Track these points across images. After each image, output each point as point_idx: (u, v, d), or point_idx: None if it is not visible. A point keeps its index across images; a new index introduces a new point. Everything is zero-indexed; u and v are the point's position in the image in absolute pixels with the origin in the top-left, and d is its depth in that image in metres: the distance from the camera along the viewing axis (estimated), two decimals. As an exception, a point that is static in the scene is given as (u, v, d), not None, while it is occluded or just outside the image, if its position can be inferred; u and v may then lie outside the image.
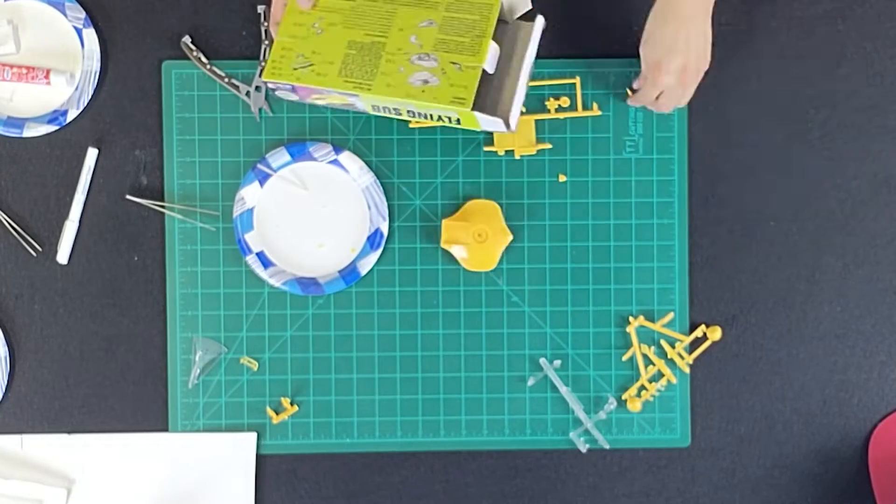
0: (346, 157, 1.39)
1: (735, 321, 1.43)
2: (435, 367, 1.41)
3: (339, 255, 1.41)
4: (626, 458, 1.43)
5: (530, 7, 1.31)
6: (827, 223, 1.42)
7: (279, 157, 1.39)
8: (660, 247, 1.42)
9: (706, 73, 1.31)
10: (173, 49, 1.40)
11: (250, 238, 1.39)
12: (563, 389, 1.41)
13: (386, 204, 1.39)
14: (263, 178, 1.39)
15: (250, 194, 1.39)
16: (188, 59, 1.40)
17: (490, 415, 1.42)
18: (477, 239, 1.38)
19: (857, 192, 1.43)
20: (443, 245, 1.38)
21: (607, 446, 1.42)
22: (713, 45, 1.27)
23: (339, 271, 1.40)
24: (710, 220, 1.40)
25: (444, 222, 1.38)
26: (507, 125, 1.22)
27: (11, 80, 1.37)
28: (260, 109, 1.40)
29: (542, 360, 1.41)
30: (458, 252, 1.38)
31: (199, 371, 1.39)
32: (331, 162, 1.40)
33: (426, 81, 1.22)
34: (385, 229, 1.39)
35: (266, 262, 1.39)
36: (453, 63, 1.22)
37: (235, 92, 1.39)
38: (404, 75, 1.22)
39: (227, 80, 1.39)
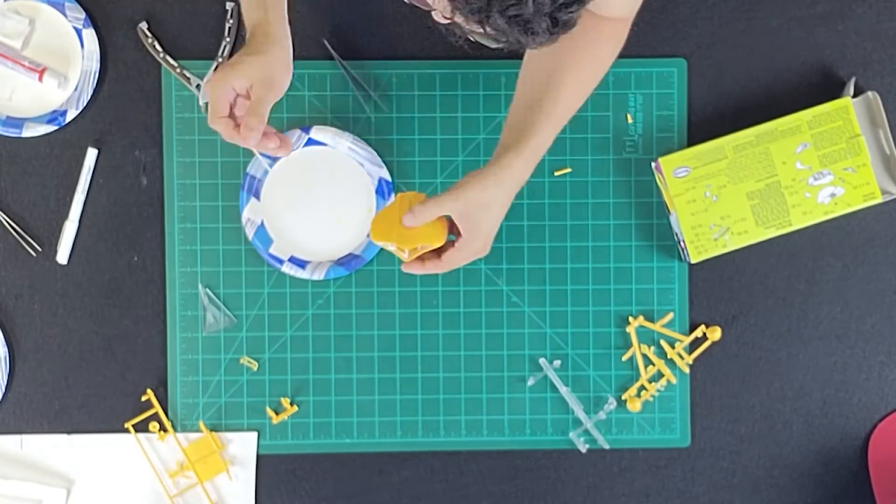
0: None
1: (735, 321, 1.43)
2: (435, 368, 1.41)
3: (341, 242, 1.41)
4: (626, 459, 1.43)
5: (851, 93, 1.39)
6: (827, 223, 1.42)
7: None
8: (659, 247, 1.42)
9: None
10: (173, 49, 1.40)
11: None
12: (563, 389, 1.41)
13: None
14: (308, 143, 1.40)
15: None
16: (189, 59, 1.40)
17: (490, 415, 1.42)
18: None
19: (857, 192, 1.43)
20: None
21: (607, 446, 1.42)
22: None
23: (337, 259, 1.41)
24: (705, 259, 1.40)
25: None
26: None
27: (5, 63, 1.38)
28: (206, 104, 1.39)
29: (542, 361, 1.41)
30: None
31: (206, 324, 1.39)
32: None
33: (833, 195, 1.35)
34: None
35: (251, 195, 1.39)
36: (845, 169, 1.36)
37: (186, 84, 1.39)
38: (812, 199, 1.35)
39: (178, 70, 1.39)
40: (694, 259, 1.37)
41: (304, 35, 1.41)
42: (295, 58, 1.40)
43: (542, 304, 1.42)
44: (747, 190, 1.36)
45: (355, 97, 1.41)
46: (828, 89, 1.42)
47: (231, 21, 1.39)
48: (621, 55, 1.41)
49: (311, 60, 1.41)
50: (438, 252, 1.18)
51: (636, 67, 1.41)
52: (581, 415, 1.41)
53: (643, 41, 1.42)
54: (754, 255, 1.42)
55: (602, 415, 1.41)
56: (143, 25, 1.39)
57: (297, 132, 1.39)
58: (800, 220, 1.37)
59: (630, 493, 1.43)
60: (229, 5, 1.39)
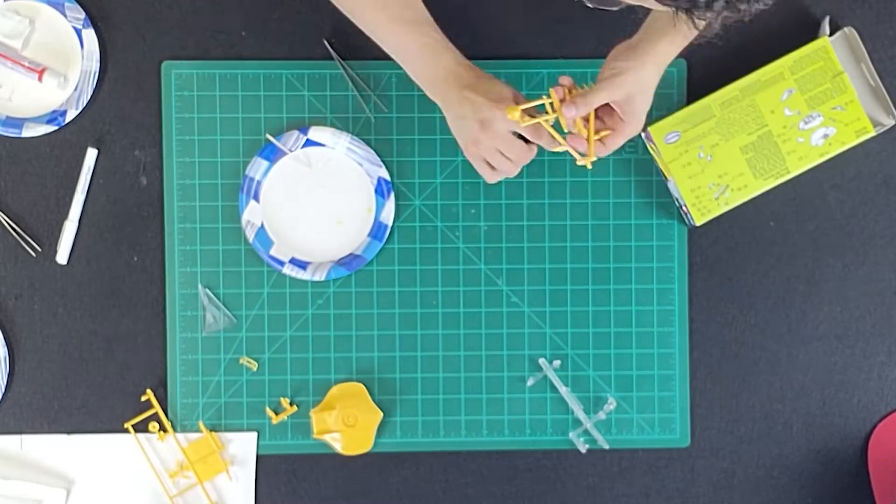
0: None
1: (735, 321, 1.43)
2: (434, 368, 1.41)
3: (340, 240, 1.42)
4: (626, 459, 1.43)
5: (827, 32, 1.39)
6: (827, 223, 1.42)
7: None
8: (659, 247, 1.42)
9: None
10: (173, 49, 1.40)
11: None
12: (563, 390, 1.41)
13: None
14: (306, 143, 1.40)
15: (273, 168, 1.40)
16: (188, 59, 1.40)
17: (489, 415, 1.42)
18: (347, 423, 1.38)
19: (857, 192, 1.43)
20: (315, 436, 1.39)
21: (607, 446, 1.42)
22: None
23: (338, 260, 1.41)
24: (709, 220, 1.40)
25: (312, 413, 1.39)
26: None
27: (5, 63, 1.38)
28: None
29: (542, 361, 1.41)
30: (332, 440, 1.39)
31: (205, 323, 1.40)
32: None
33: (826, 135, 1.35)
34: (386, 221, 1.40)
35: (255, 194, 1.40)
36: (834, 108, 1.36)
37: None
38: (806, 143, 1.35)
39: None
40: (698, 221, 1.37)
41: (304, 35, 1.41)
42: (295, 57, 1.41)
43: (541, 304, 1.42)
44: (740, 144, 1.36)
45: (355, 97, 1.41)
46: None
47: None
48: (621, 55, 1.41)
49: (311, 60, 1.41)
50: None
51: (636, 67, 1.41)
52: (581, 415, 1.41)
53: (643, 41, 1.41)
54: (754, 255, 1.42)
55: (602, 415, 1.41)
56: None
57: (296, 133, 1.39)
58: (797, 166, 1.36)
59: (630, 493, 1.43)
60: None
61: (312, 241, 1.41)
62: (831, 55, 1.37)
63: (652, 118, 1.39)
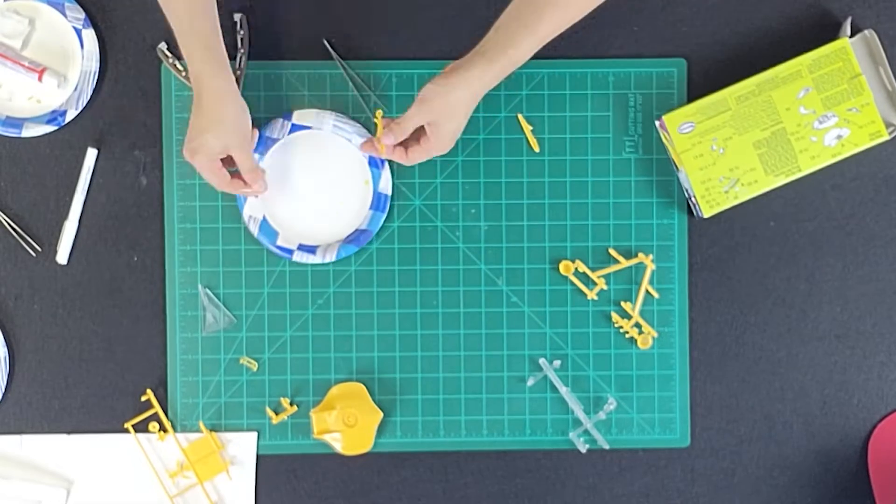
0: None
1: (735, 321, 1.43)
2: (434, 368, 1.41)
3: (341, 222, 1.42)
4: (626, 459, 1.43)
5: (848, 33, 1.39)
6: (827, 223, 1.42)
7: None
8: (659, 247, 1.42)
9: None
10: (173, 49, 1.40)
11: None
12: (563, 390, 1.41)
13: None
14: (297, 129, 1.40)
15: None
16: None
17: (489, 415, 1.42)
18: (347, 423, 1.38)
19: (857, 192, 1.43)
20: (315, 436, 1.39)
21: (607, 446, 1.42)
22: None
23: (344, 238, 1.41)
24: (709, 220, 1.40)
25: (312, 413, 1.39)
26: None
27: (5, 63, 1.38)
28: None
29: (542, 361, 1.41)
30: (332, 440, 1.39)
31: (205, 323, 1.40)
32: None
33: (839, 136, 1.35)
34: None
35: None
36: (849, 109, 1.36)
37: None
38: (819, 143, 1.35)
39: None
40: (706, 213, 1.36)
41: (304, 35, 1.41)
42: (295, 58, 1.41)
43: (541, 304, 1.42)
44: (753, 140, 1.36)
45: (355, 97, 1.41)
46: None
47: (242, 32, 1.38)
48: (621, 55, 1.41)
49: (311, 60, 1.41)
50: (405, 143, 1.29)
51: (636, 67, 1.41)
52: (581, 415, 1.41)
53: (643, 41, 1.42)
54: (754, 255, 1.42)
55: (602, 415, 1.41)
56: (163, 46, 1.38)
57: (280, 121, 1.39)
58: (808, 165, 1.36)
59: (630, 493, 1.43)
60: (237, 16, 1.39)
61: (316, 223, 1.41)
62: (850, 56, 1.36)
63: (657, 115, 1.39)
